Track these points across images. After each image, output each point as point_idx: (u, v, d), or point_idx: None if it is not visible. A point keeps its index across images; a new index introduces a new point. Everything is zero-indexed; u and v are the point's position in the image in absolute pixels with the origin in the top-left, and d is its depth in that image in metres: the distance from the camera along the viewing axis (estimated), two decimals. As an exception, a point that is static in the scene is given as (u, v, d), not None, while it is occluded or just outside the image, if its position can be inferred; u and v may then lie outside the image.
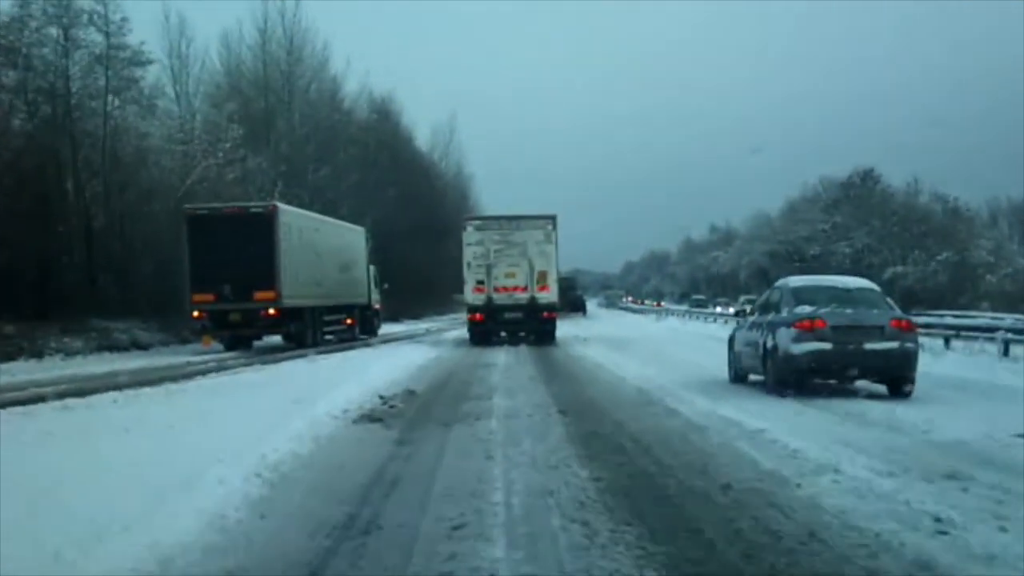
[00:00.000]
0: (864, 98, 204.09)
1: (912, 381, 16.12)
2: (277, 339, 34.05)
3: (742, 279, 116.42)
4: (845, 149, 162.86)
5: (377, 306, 43.77)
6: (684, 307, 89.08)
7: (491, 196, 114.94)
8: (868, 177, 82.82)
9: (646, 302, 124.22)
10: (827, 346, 15.95)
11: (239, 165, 45.98)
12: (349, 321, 39.15)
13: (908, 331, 16.42)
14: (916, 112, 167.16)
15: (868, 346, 15.96)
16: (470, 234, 34.44)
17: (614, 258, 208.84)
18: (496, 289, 33.73)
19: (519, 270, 33.67)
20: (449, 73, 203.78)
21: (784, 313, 16.84)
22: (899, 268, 73.52)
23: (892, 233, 76.84)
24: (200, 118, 58.26)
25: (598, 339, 37.07)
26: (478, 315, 34.26)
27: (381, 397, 15.57)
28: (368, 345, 35.02)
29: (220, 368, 23.75)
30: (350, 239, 40.77)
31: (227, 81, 62.13)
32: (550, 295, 34.07)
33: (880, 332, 16.08)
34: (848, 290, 17.49)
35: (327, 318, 35.97)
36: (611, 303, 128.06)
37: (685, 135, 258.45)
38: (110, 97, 38.79)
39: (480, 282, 33.78)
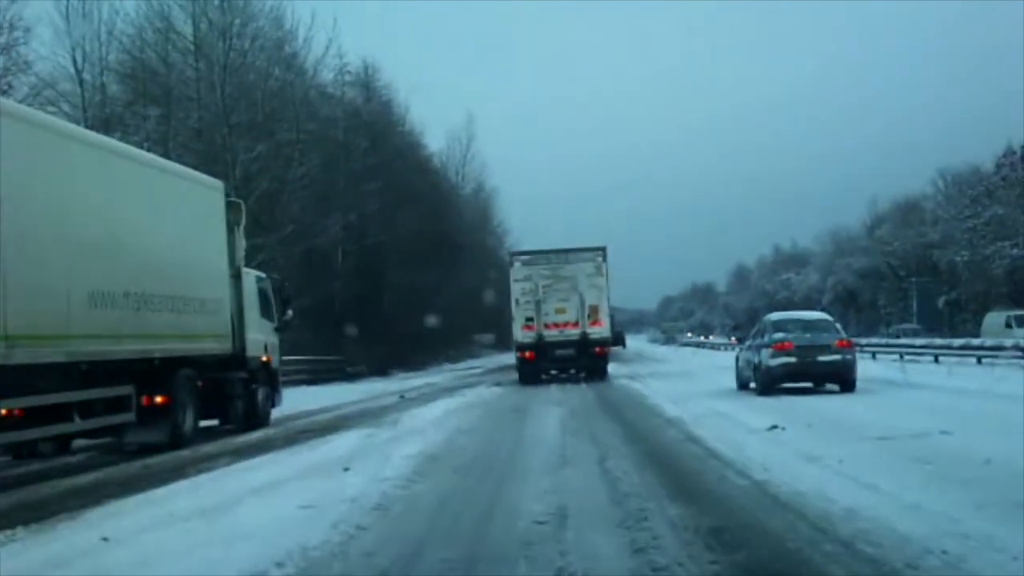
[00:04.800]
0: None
1: (853, 381, 21.54)
2: None
3: (825, 303, 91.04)
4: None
5: (265, 359, 19.04)
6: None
7: (516, 217, 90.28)
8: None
9: (710, 337, 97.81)
10: (793, 360, 21.52)
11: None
12: (160, 400, 14.58)
13: (848, 347, 22.18)
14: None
15: (821, 359, 21.57)
16: (518, 270, 31.95)
17: (648, 294, 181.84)
18: (547, 326, 31.05)
19: (570, 305, 31.15)
20: (467, 85, 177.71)
21: (766, 338, 22.25)
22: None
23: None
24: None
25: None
26: (528, 353, 31.31)
27: None
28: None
29: None
30: (164, 197, 15.55)
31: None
32: (603, 329, 31.46)
33: (829, 349, 21.73)
34: (810, 321, 23.97)
35: None
36: (669, 339, 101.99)
37: (720, 163, 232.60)
38: None
39: (530, 319, 31.17)
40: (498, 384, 31.02)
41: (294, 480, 10.81)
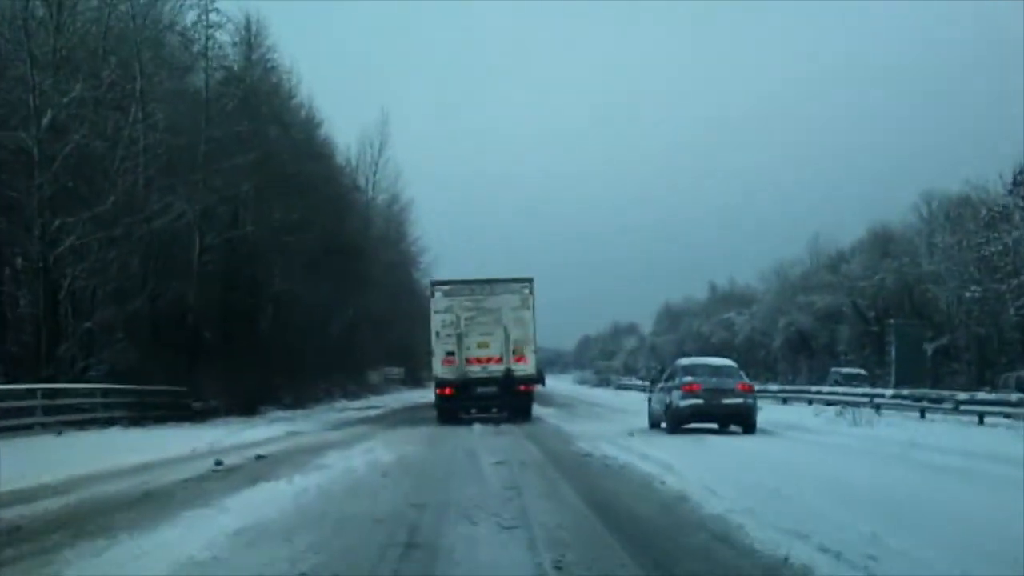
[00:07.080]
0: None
1: (754, 423, 23.06)
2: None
3: (776, 347, 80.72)
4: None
5: None
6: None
7: (432, 237, 77.96)
8: (1047, 176, 47.65)
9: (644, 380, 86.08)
10: (700, 401, 22.69)
11: None
12: None
13: (749, 391, 23.68)
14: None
15: (725, 401, 22.86)
16: (438, 300, 29.84)
17: (565, 333, 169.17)
18: (468, 361, 29.14)
19: (493, 339, 29.26)
20: (382, 91, 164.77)
21: (676, 381, 23.55)
22: None
23: None
24: None
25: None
26: (448, 389, 29.34)
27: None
28: None
29: None
30: None
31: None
32: (527, 366, 29.56)
33: (732, 392, 23.03)
34: (717, 366, 25.01)
35: None
36: (603, 380, 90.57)
37: (645, 201, 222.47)
38: None
39: (450, 353, 29.20)
40: (396, 443, 19.51)
41: None
